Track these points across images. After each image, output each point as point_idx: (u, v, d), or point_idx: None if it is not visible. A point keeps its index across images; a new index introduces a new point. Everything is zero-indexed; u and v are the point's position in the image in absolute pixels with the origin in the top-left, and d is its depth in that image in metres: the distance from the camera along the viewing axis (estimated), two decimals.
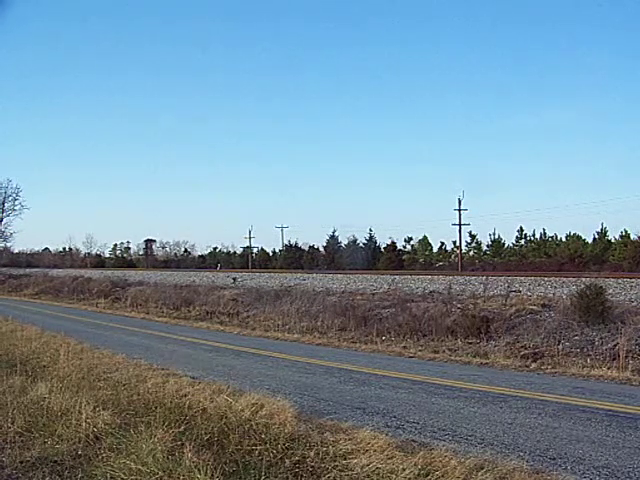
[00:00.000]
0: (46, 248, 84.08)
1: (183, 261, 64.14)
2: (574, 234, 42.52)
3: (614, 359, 10.81)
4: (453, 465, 4.42)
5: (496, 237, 45.42)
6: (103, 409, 5.80)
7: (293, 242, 53.21)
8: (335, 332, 16.05)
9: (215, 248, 67.05)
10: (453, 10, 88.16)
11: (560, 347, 11.89)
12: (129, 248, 76.01)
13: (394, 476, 4.23)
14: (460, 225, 44.12)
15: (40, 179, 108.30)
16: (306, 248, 52.25)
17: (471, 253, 47.14)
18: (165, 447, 4.64)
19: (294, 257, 50.15)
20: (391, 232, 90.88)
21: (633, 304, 14.12)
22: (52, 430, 5.38)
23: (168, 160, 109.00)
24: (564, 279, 18.74)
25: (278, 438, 4.92)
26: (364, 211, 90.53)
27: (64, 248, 76.25)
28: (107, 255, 74.24)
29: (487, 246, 46.33)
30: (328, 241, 50.46)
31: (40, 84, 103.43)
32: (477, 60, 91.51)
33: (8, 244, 61.66)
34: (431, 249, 50.98)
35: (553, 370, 10.37)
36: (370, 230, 47.79)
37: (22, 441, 5.26)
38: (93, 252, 73.68)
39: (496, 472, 4.40)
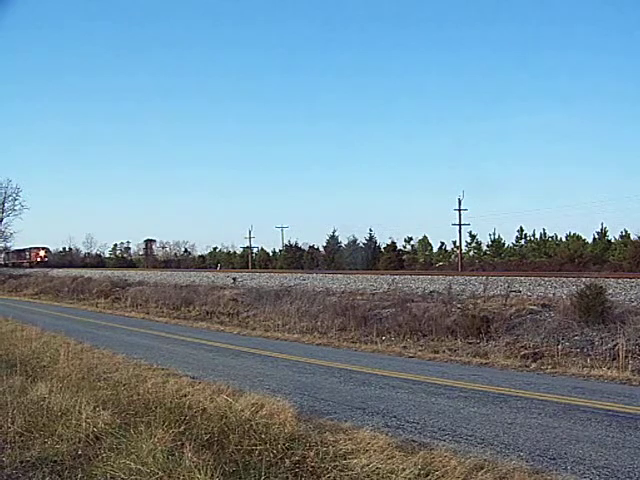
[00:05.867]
0: None
1: (183, 261, 64.03)
2: (574, 234, 42.49)
3: (614, 359, 10.81)
4: (453, 465, 4.42)
5: (496, 237, 45.37)
6: (103, 409, 5.81)
7: (293, 242, 53.11)
8: (335, 332, 16.04)
9: (215, 248, 66.94)
10: (451, 10, 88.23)
11: (560, 347, 11.89)
12: (129, 248, 75.84)
13: (394, 476, 4.23)
14: (460, 225, 44.07)
15: (40, 179, 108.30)
16: (306, 248, 52.14)
17: (471, 253, 47.06)
18: (165, 447, 4.64)
19: (294, 257, 50.05)
20: (391, 232, 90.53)
21: (633, 304, 14.11)
22: (52, 430, 5.37)
23: (168, 160, 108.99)
24: (564, 279, 18.72)
25: (278, 438, 4.91)
26: (364, 211, 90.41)
27: (64, 248, 76.13)
28: (107, 255, 74.07)
29: (487, 246, 46.25)
30: (328, 241, 50.37)
31: (40, 85, 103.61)
32: (477, 60, 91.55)
33: (8, 244, 61.72)
34: (431, 249, 50.94)
35: (553, 370, 10.37)
36: (370, 230, 47.67)
37: (22, 441, 5.26)
38: (93, 252, 73.62)
39: (496, 472, 4.40)
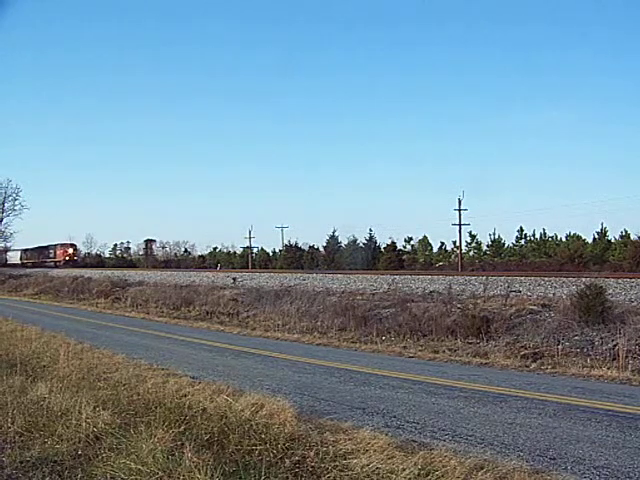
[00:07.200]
0: None
1: (183, 261, 63.92)
2: (574, 234, 42.51)
3: (614, 359, 10.80)
4: (453, 465, 4.42)
5: (496, 237, 45.39)
6: (103, 409, 5.81)
7: (293, 242, 53.08)
8: (335, 332, 16.04)
9: (215, 248, 66.87)
10: (451, 10, 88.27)
11: (560, 347, 11.88)
12: (129, 248, 75.68)
13: (394, 476, 4.23)
14: (460, 225, 44.01)
15: (40, 179, 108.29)
16: (306, 248, 52.13)
17: (471, 253, 47.06)
18: (165, 447, 4.64)
19: (294, 257, 50.01)
20: (391, 232, 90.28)
21: (633, 304, 14.10)
22: (52, 430, 5.38)
23: (168, 160, 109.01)
24: (564, 279, 18.71)
25: (278, 438, 4.92)
26: (364, 211, 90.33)
27: None
28: (107, 255, 73.97)
29: (487, 246, 46.26)
30: (328, 241, 50.34)
31: (40, 85, 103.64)
32: (477, 60, 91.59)
33: (8, 244, 61.19)
34: (431, 249, 50.93)
35: (553, 370, 10.37)
36: (370, 230, 47.65)
37: (22, 441, 5.26)
38: (93, 252, 73.48)
39: (496, 472, 4.39)
